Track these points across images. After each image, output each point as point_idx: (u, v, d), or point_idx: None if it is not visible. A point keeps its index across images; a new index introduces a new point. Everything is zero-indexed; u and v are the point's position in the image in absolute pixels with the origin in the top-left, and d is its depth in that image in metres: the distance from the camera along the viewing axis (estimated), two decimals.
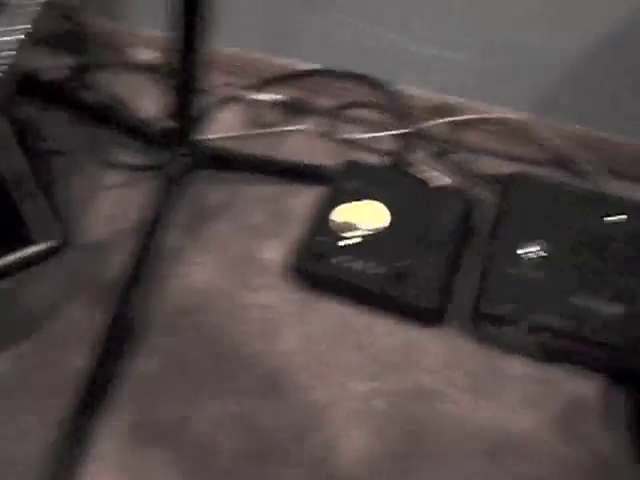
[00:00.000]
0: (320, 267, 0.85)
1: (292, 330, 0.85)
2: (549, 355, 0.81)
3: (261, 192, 0.98)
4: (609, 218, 0.86)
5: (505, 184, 0.93)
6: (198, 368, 0.81)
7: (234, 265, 0.91)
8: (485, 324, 0.81)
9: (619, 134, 0.99)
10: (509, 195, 0.90)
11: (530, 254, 0.82)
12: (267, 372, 0.81)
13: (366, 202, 0.90)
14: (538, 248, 0.82)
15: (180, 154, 0.89)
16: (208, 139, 1.02)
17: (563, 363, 0.82)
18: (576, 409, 0.79)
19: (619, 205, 0.87)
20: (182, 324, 0.85)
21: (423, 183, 0.95)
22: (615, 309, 0.78)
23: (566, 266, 0.82)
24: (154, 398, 0.79)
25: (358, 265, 0.84)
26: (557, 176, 0.99)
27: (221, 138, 1.03)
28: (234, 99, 1.09)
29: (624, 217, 0.86)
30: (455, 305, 0.86)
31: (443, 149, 1.00)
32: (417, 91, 1.05)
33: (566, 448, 0.76)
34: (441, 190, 0.94)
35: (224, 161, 0.93)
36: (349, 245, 0.86)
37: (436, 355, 0.83)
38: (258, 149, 1.03)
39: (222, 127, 1.05)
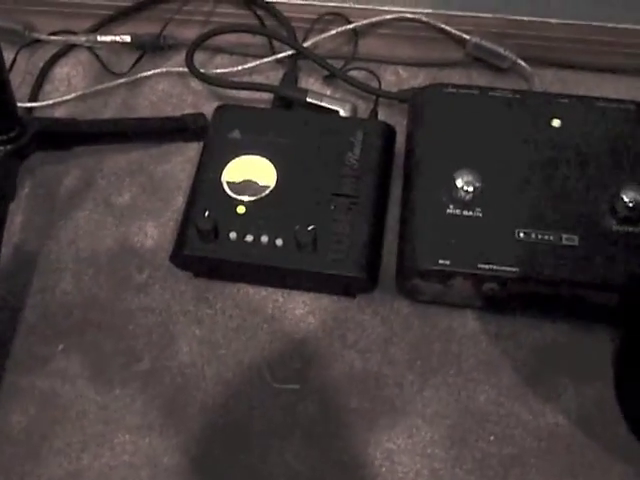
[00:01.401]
0: (214, 248, 0.67)
1: (189, 336, 0.68)
2: (500, 306, 0.68)
3: (124, 162, 0.78)
4: (549, 124, 0.70)
5: (416, 101, 0.76)
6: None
7: (106, 263, 0.73)
8: (419, 282, 0.66)
9: (537, 15, 0.83)
10: (423, 115, 0.74)
11: (461, 188, 0.66)
12: (168, 400, 0.66)
13: (256, 153, 0.72)
14: (470, 178, 0.66)
15: (8, 138, 0.68)
16: (45, 106, 0.82)
17: (517, 313, 0.68)
18: (543, 363, 0.66)
19: (557, 106, 0.72)
20: (48, 353, 0.68)
21: (319, 117, 0.77)
22: (568, 241, 0.64)
23: (506, 196, 0.67)
24: None
25: (262, 237, 0.67)
26: (478, 78, 0.82)
27: (63, 102, 0.82)
28: (72, 48, 0.87)
29: (564, 121, 0.71)
30: (385, 266, 0.70)
31: (336, 68, 0.82)
32: (294, 2, 0.85)
33: (539, 414, 0.64)
34: (343, 122, 0.76)
35: (69, 136, 0.73)
36: (249, 212, 0.68)
37: (368, 331, 0.68)
38: (111, 107, 0.82)
39: (62, 87, 0.84)
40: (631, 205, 0.64)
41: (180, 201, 0.76)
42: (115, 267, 0.72)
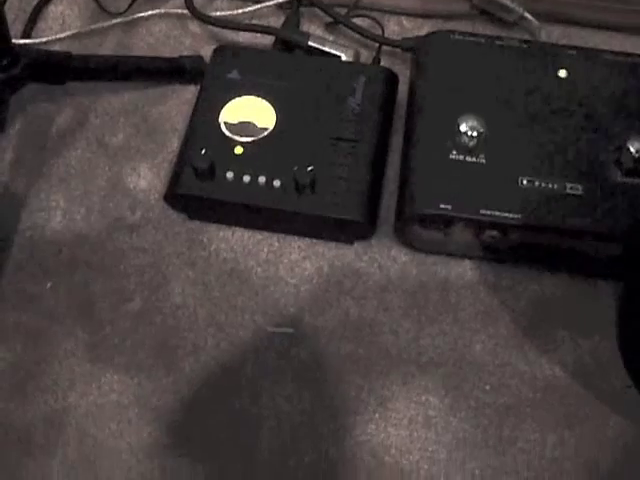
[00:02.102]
0: (209, 188, 0.65)
1: (182, 277, 0.67)
2: (500, 255, 0.66)
3: (119, 102, 0.76)
4: (555, 74, 0.69)
5: (421, 48, 0.74)
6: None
7: (98, 202, 0.71)
8: (418, 229, 0.65)
9: None
10: (428, 62, 0.72)
11: (464, 133, 0.64)
12: (159, 341, 0.64)
13: (255, 95, 0.70)
14: (474, 124, 0.64)
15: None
16: (39, 43, 0.80)
17: (518, 263, 0.67)
18: (541, 315, 0.65)
19: (564, 57, 0.70)
20: (37, 291, 0.66)
21: (321, 60, 0.75)
22: (572, 190, 0.63)
23: (509, 143, 0.65)
24: None
25: (259, 178, 0.65)
26: (483, 32, 0.80)
27: (57, 39, 0.80)
28: None
29: (570, 72, 0.69)
30: (385, 212, 0.69)
31: (339, 14, 0.80)
32: None
33: (535, 365, 0.63)
34: (345, 67, 0.74)
35: (62, 69, 0.71)
36: (246, 153, 0.66)
37: (364, 278, 0.67)
38: (107, 47, 0.80)
39: (56, 25, 0.82)
40: (637, 156, 0.63)
41: (175, 144, 0.74)
42: (107, 207, 0.71)
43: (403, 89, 0.74)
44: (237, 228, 0.69)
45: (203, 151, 0.66)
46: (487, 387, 0.62)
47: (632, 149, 0.63)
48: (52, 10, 0.83)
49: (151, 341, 0.64)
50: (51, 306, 0.66)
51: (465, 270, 0.67)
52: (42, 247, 0.68)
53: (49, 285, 0.67)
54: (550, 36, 0.80)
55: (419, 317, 0.65)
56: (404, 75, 0.75)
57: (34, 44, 0.79)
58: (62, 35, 0.80)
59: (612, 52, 0.72)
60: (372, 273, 0.67)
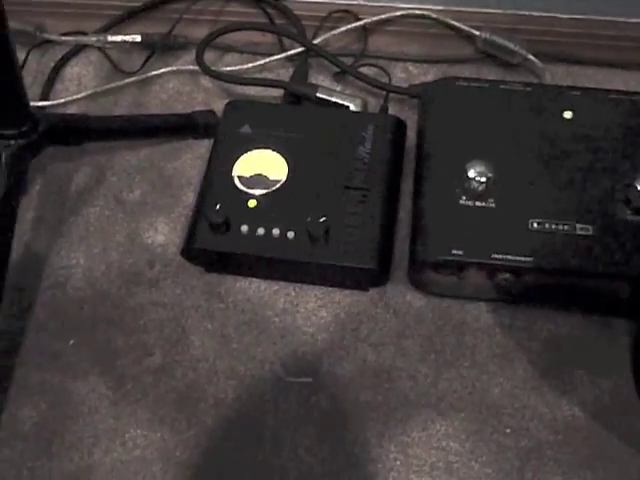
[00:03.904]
0: (225, 241, 0.67)
1: (201, 330, 0.68)
2: (513, 298, 0.67)
3: (135, 159, 0.78)
4: (561, 116, 0.70)
5: (427, 95, 0.75)
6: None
7: (117, 258, 0.72)
8: (432, 274, 0.66)
9: (547, 11, 0.82)
10: (435, 108, 0.73)
11: (473, 179, 0.65)
12: (180, 394, 0.65)
13: (267, 148, 0.72)
14: (482, 169, 0.66)
15: (20, 133, 0.68)
16: (56, 105, 0.82)
17: (532, 303, 0.68)
18: (558, 356, 0.65)
19: (568, 98, 0.71)
20: (59, 349, 0.67)
21: (330, 111, 0.77)
22: (583, 231, 0.64)
23: (519, 187, 0.66)
24: None
25: (273, 230, 0.67)
26: (488, 75, 0.82)
27: (74, 100, 0.83)
28: (83, 49, 0.87)
29: (575, 113, 0.70)
30: (398, 258, 0.70)
31: (346, 64, 0.82)
32: (304, 0, 0.86)
33: (555, 407, 0.63)
34: (353, 116, 0.76)
35: (80, 131, 0.73)
36: (260, 206, 0.68)
37: (380, 324, 0.68)
38: (122, 105, 0.83)
39: (73, 86, 0.85)
40: None
41: (191, 197, 0.75)
42: (126, 263, 0.72)
43: (412, 135, 0.76)
44: (254, 279, 0.71)
45: (218, 206, 0.67)
46: (507, 430, 0.63)
47: (639, 187, 0.64)
48: (69, 71, 0.86)
49: (172, 395, 0.65)
50: (74, 363, 0.67)
51: (480, 312, 0.68)
52: (64, 304, 0.70)
53: (72, 342, 0.68)
54: (554, 76, 0.81)
55: (436, 361, 0.66)
56: (412, 120, 0.77)
57: (52, 106, 0.82)
58: (79, 96, 0.83)
59: (616, 91, 0.73)
60: (388, 319, 0.68)
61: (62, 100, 0.82)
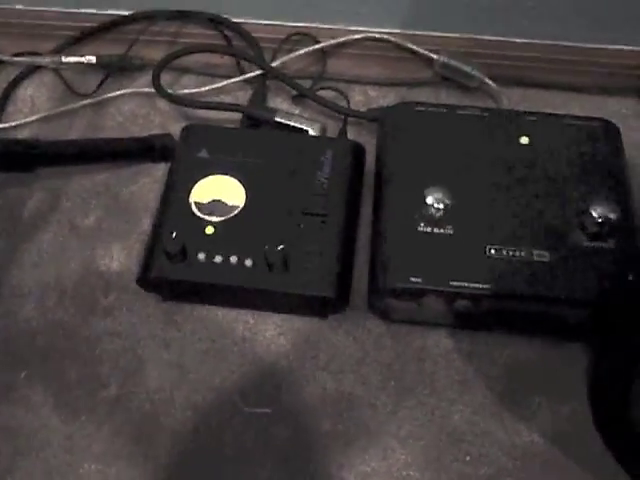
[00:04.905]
0: (181, 270, 0.66)
1: (157, 360, 0.67)
2: (473, 323, 0.67)
3: (90, 183, 0.77)
4: (518, 141, 0.70)
5: (386, 119, 0.75)
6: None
7: (71, 287, 0.71)
8: (391, 301, 0.65)
9: (503, 35, 0.83)
10: (393, 133, 0.73)
11: (431, 206, 0.65)
12: (136, 427, 0.64)
13: (224, 173, 0.71)
14: (440, 196, 0.66)
15: None
16: (8, 128, 0.80)
17: (492, 329, 0.68)
18: (517, 381, 0.66)
19: (525, 124, 0.72)
20: (10, 381, 0.65)
21: (288, 136, 0.76)
22: (540, 257, 0.64)
23: (476, 213, 0.66)
24: None
25: (231, 258, 0.66)
26: (447, 98, 0.82)
27: (26, 123, 0.81)
28: (36, 70, 0.86)
29: (532, 138, 0.71)
30: (357, 283, 0.70)
31: (304, 87, 0.81)
32: (262, 22, 0.85)
33: (514, 433, 0.63)
34: (312, 141, 0.76)
35: (31, 157, 0.71)
36: (217, 232, 0.67)
37: (340, 351, 0.67)
38: (77, 128, 0.81)
39: (26, 108, 0.83)
40: (600, 221, 0.64)
41: (147, 223, 0.74)
42: (80, 291, 0.71)
43: (371, 159, 0.76)
44: (212, 306, 0.69)
45: (174, 234, 0.66)
46: (467, 458, 0.62)
47: (594, 214, 0.64)
48: (22, 93, 0.84)
49: (128, 428, 0.64)
50: (26, 396, 0.65)
51: (440, 338, 0.68)
52: (16, 335, 0.68)
53: (24, 374, 0.66)
54: (511, 100, 0.82)
55: (396, 389, 0.66)
56: (371, 144, 0.77)
57: (3, 129, 0.80)
58: (32, 118, 0.81)
59: (572, 116, 0.74)
60: (348, 346, 0.68)
61: (14, 123, 0.80)
